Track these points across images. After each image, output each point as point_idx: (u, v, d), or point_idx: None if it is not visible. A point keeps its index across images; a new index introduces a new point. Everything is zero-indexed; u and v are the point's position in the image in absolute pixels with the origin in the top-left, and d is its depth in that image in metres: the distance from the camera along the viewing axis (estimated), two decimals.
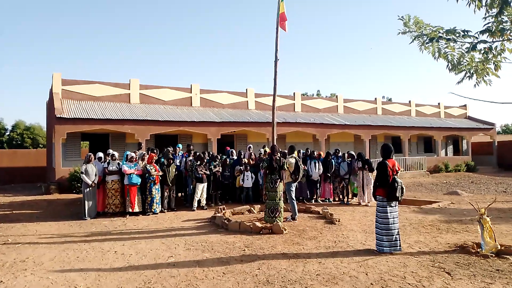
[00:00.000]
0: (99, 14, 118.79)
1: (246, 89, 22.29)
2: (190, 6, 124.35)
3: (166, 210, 10.32)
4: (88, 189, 9.49)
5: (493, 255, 5.51)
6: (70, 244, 6.82)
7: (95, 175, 9.62)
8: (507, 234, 7.03)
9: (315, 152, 12.19)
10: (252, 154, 12.58)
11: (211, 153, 12.37)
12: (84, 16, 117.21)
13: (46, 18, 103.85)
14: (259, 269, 5.17)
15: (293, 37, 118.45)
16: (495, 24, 4.16)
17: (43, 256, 6.04)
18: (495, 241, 5.68)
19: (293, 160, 8.75)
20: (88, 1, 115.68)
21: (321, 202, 11.84)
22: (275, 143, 9.26)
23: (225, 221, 8.06)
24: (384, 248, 5.87)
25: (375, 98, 27.76)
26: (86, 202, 9.45)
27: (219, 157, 11.91)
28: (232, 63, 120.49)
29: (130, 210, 9.65)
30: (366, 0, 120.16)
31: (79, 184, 13.04)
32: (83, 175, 9.46)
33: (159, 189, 10.14)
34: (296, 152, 9.38)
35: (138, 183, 9.80)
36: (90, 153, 10.00)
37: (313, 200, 12.01)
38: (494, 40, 4.31)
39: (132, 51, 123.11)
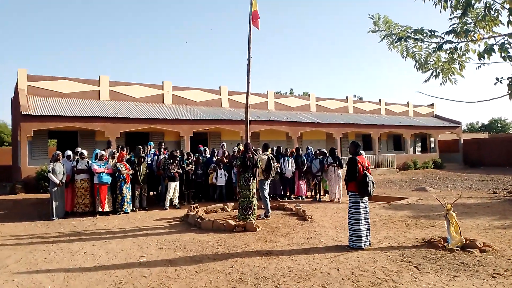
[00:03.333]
0: (67, 8, 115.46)
1: (220, 87, 22.20)
2: (163, 1, 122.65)
3: (137, 209, 10.17)
4: (55, 188, 9.22)
5: (459, 249, 5.71)
6: (37, 245, 6.61)
7: (63, 174, 9.34)
8: (472, 229, 7.30)
9: (288, 150, 12.29)
10: (226, 152, 12.56)
11: (183, 151, 12.25)
12: (52, 11, 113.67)
13: (12, 12, 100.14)
14: (232, 267, 5.17)
15: (266, 35, 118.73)
16: (460, 25, 4.31)
17: (9, 258, 5.82)
18: (461, 236, 5.88)
19: (265, 157, 8.79)
20: None
21: (294, 199, 11.95)
22: (248, 141, 9.27)
23: (198, 219, 8.00)
24: (355, 243, 5.98)
25: (347, 97, 28.22)
26: (53, 202, 9.17)
27: (191, 156, 11.82)
28: (205, 61, 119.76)
29: (100, 210, 9.44)
30: None
31: (46, 184, 12.65)
32: (50, 174, 9.18)
33: (130, 188, 9.97)
34: (269, 150, 9.43)
35: (109, 182, 9.59)
36: (58, 151, 9.71)
37: (286, 197, 12.11)
38: (459, 40, 4.45)
39: (102, 47, 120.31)
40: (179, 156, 11.14)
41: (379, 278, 4.61)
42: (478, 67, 4.50)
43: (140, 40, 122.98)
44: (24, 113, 14.19)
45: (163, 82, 20.32)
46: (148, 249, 6.23)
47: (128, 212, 9.81)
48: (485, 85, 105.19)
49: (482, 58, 4.19)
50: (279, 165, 11.43)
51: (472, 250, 5.64)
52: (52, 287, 4.53)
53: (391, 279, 4.57)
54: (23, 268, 5.29)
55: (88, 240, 6.89)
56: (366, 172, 6.06)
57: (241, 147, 11.27)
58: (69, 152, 10.05)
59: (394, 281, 4.49)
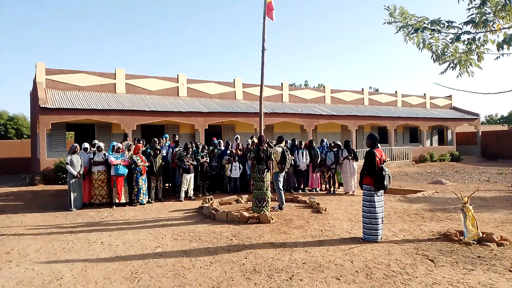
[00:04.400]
0: (83, 1, 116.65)
1: (234, 79, 22.19)
2: None
3: (153, 201, 10.31)
4: (73, 180, 9.40)
5: (475, 243, 5.64)
6: (56, 235, 6.77)
7: (81, 166, 9.53)
8: (489, 222, 7.20)
9: (302, 142, 12.25)
10: (240, 144, 12.60)
11: (198, 143, 12.34)
12: (68, 3, 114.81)
13: (29, 5, 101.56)
14: (246, 258, 5.21)
15: (281, 27, 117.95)
16: (478, 15, 4.22)
17: (29, 247, 5.99)
18: (477, 229, 5.81)
19: (279, 150, 8.79)
20: None
21: (308, 192, 11.94)
22: (262, 134, 9.28)
23: (213, 211, 8.08)
24: (370, 236, 5.96)
25: (362, 89, 27.91)
26: (71, 193, 9.36)
27: (206, 148, 11.88)
28: (220, 53, 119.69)
29: (117, 201, 9.61)
30: None
31: (64, 175, 12.90)
32: (68, 166, 9.36)
33: (146, 179, 10.11)
34: (284, 142, 9.43)
35: (125, 174, 9.74)
36: (75, 144, 9.89)
37: (300, 190, 12.10)
38: (477, 31, 4.36)
39: (118, 40, 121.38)
40: (194, 149, 11.24)
41: (393, 270, 4.60)
42: (497, 58, 4.41)
43: (155, 33, 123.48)
44: (43, 106, 14.44)
45: (177, 75, 20.41)
46: (164, 239, 6.32)
47: (144, 204, 9.96)
48: (504, 76, 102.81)
49: (501, 49, 4.10)
50: (293, 158, 11.42)
51: (489, 243, 5.57)
52: (71, 276, 4.65)
53: (406, 272, 4.56)
54: (43, 258, 5.43)
55: (105, 231, 7.03)
56: (383, 165, 6.02)
57: (255, 140, 11.29)
58: (86, 145, 10.21)
59: (409, 274, 4.47)
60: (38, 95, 15.16)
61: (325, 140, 12.93)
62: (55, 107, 14.73)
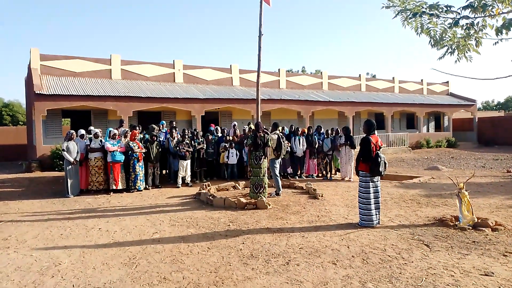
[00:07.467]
0: None
1: (231, 65, 22.02)
2: None
3: (150, 187, 10.32)
4: (70, 166, 9.38)
5: (470, 228, 5.70)
6: (54, 221, 6.78)
7: (77, 152, 9.49)
8: (484, 208, 7.26)
9: (299, 129, 12.23)
10: (237, 131, 12.57)
11: (194, 130, 12.28)
12: None
13: None
14: (243, 243, 5.24)
15: (278, 12, 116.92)
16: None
17: (26, 233, 6.00)
18: (473, 214, 5.86)
19: (275, 137, 8.78)
20: None
21: (305, 178, 11.97)
22: (259, 120, 9.25)
23: (210, 197, 8.10)
24: (366, 222, 6.00)
25: (359, 75, 27.80)
26: (68, 179, 9.34)
27: (200, 134, 11.82)
28: (216, 39, 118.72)
29: (114, 187, 9.61)
30: None
31: (61, 162, 12.86)
32: (65, 153, 9.32)
33: (143, 166, 10.09)
34: (280, 128, 9.40)
35: (122, 160, 9.72)
36: (71, 130, 9.83)
37: (297, 176, 12.14)
38: (476, 15, 4.32)
39: (113, 25, 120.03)
40: (190, 136, 11.20)
41: (389, 255, 4.64)
42: (496, 43, 4.39)
43: (151, 18, 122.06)
44: (38, 92, 14.31)
45: (174, 61, 20.24)
46: (161, 225, 6.34)
47: (141, 190, 9.97)
48: (502, 62, 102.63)
49: (499, 34, 4.07)
50: (289, 144, 11.41)
51: (483, 228, 5.62)
52: (69, 262, 4.67)
53: (401, 256, 4.60)
54: (41, 244, 5.44)
55: (103, 217, 7.04)
56: (378, 152, 6.02)
57: (252, 126, 11.26)
58: (82, 131, 10.14)
59: (404, 259, 4.51)
60: (33, 81, 15.00)
61: (321, 126, 12.92)
62: (50, 93, 14.59)
